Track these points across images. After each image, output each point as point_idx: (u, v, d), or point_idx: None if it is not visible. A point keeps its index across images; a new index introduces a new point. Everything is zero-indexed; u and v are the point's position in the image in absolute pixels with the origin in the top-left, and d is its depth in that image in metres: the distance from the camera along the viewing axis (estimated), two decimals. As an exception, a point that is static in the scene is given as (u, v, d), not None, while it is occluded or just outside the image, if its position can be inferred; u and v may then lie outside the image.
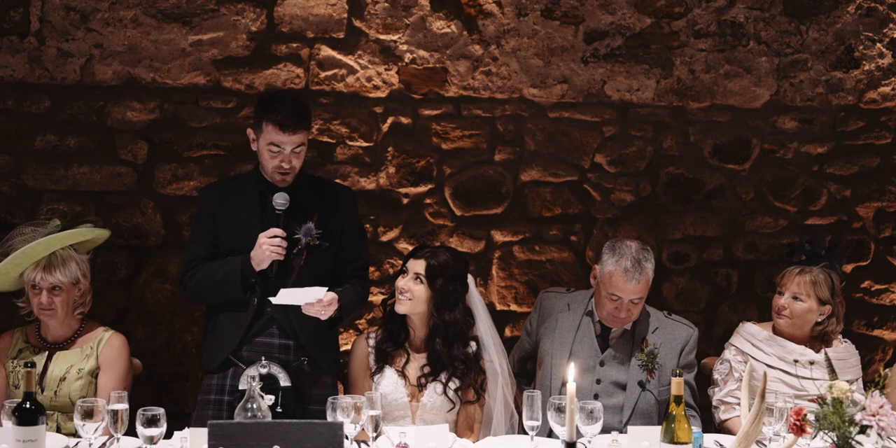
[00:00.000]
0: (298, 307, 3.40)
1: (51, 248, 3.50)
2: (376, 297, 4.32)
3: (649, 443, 3.01)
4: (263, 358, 3.37)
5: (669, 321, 3.71)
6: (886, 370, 3.01)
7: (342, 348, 4.31)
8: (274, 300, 3.35)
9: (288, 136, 3.41)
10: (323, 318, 3.42)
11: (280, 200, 3.41)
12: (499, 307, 4.44)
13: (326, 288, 3.40)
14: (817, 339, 3.74)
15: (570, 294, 3.81)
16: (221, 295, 3.47)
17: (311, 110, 3.53)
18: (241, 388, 3.35)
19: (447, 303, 3.49)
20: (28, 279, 3.50)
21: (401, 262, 3.78)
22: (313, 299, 3.36)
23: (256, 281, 3.42)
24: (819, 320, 3.70)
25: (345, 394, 3.57)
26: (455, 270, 3.52)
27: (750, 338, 3.73)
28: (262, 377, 3.28)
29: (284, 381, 3.36)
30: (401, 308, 3.52)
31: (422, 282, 3.49)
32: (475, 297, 3.61)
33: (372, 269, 4.35)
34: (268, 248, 3.36)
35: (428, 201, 4.39)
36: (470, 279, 3.61)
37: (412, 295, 3.49)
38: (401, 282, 3.52)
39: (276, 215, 3.43)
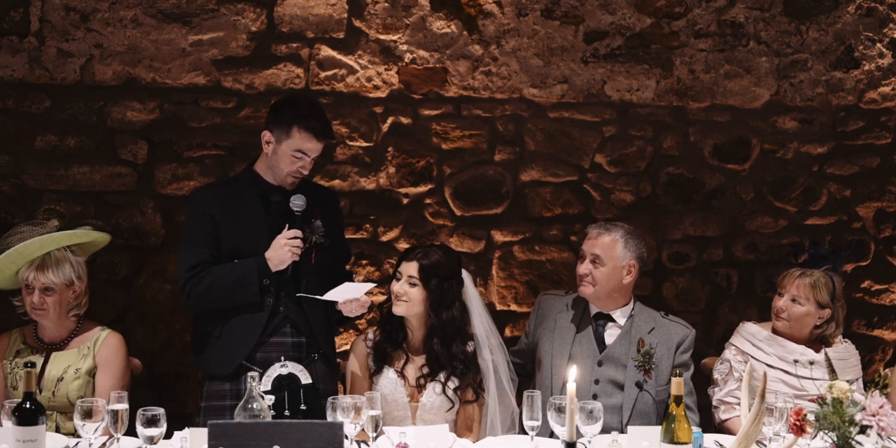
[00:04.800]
0: (313, 304, 3.44)
1: (45, 248, 3.50)
2: (376, 298, 4.32)
3: (649, 443, 3.01)
4: (283, 357, 3.40)
5: (666, 321, 3.71)
6: (886, 370, 3.01)
7: (341, 349, 4.32)
8: (326, 296, 3.40)
9: (319, 144, 3.45)
10: (354, 314, 3.50)
11: (298, 202, 3.44)
12: (499, 307, 4.44)
13: (373, 283, 3.54)
14: (816, 340, 3.73)
15: (568, 296, 3.81)
16: (233, 298, 3.43)
17: None
18: (262, 389, 3.35)
19: (444, 302, 3.49)
20: (22, 278, 3.51)
21: (401, 262, 3.78)
22: (359, 294, 3.44)
23: (271, 282, 3.43)
24: (818, 324, 3.69)
25: (345, 394, 3.58)
26: (449, 268, 3.52)
27: (750, 337, 3.72)
28: (283, 377, 3.35)
29: (305, 379, 3.40)
30: (398, 310, 3.51)
31: (416, 284, 3.48)
32: (471, 292, 3.60)
33: (372, 269, 4.36)
34: (290, 248, 3.38)
35: (428, 201, 4.39)
36: (465, 274, 3.60)
37: (408, 298, 3.49)
38: (395, 286, 3.52)
39: (281, 216, 3.46)
